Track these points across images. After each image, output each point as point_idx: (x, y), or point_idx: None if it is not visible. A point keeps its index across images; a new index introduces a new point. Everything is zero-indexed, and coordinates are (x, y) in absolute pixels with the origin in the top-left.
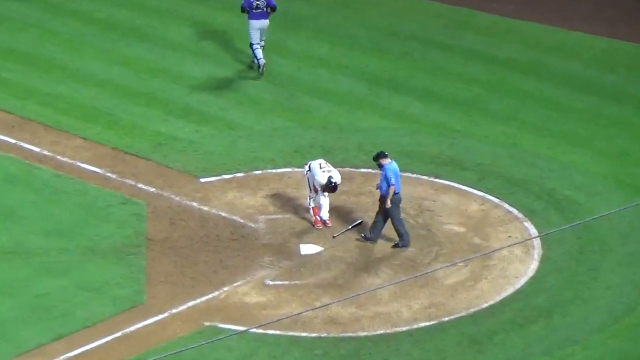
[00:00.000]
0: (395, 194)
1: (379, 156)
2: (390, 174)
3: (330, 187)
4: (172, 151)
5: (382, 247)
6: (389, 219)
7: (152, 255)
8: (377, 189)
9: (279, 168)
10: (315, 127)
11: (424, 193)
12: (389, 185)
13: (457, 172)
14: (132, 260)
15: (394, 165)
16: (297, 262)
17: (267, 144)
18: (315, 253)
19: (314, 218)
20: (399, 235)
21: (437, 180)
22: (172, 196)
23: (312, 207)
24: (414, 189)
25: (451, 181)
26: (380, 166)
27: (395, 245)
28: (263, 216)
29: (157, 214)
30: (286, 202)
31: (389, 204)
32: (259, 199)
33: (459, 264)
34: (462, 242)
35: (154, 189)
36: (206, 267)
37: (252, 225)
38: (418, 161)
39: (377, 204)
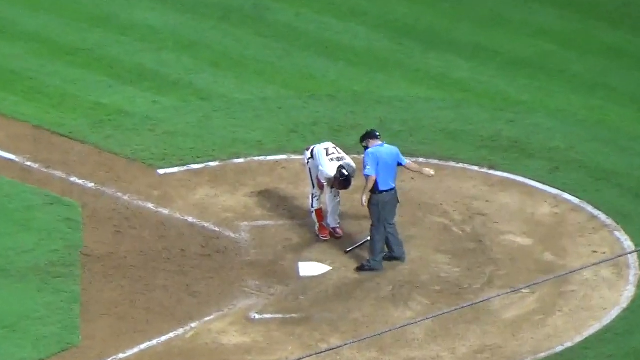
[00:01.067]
0: (382, 191)
1: (366, 136)
2: (368, 160)
3: (341, 181)
4: (119, 131)
5: (413, 265)
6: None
7: (89, 277)
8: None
9: (268, 155)
10: (320, 97)
11: (473, 190)
12: (364, 176)
13: (521, 161)
14: (61, 284)
15: (383, 149)
16: (295, 287)
17: (253, 121)
18: (320, 275)
19: (317, 225)
20: (371, 251)
21: (492, 172)
22: (119, 194)
23: (316, 210)
24: (460, 184)
25: (512, 173)
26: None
27: (360, 268)
28: (246, 223)
29: (97, 220)
30: (279, 203)
31: (364, 201)
32: (241, 199)
33: (522, 291)
34: (527, 259)
35: (92, 185)
36: (166, 295)
37: (232, 235)
38: (465, 145)
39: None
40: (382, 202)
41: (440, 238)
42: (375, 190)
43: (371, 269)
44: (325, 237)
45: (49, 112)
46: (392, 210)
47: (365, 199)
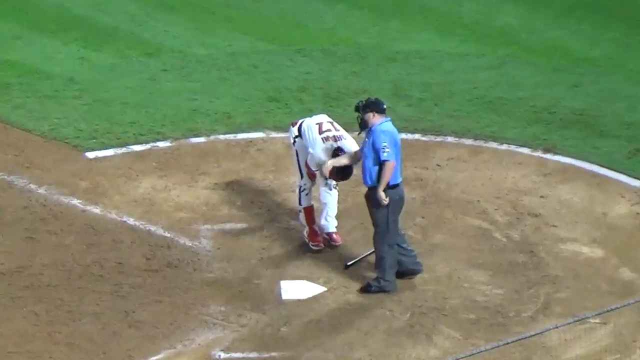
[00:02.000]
0: (395, 185)
1: (370, 107)
2: (383, 140)
3: (339, 169)
4: (33, 99)
5: (439, 285)
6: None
7: None
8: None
9: (239, 132)
10: (312, 53)
11: (523, 182)
12: (382, 162)
13: (589, 141)
14: None
15: (391, 127)
16: (275, 315)
17: (218, 86)
18: (310, 298)
19: (307, 230)
20: (378, 266)
21: (548, 156)
22: (32, 187)
23: (304, 209)
24: (505, 173)
25: (576, 158)
26: (365, 126)
27: (366, 289)
28: (208, 226)
29: (1, 222)
30: (254, 199)
31: (383, 197)
32: (201, 193)
33: (590, 321)
34: (596, 277)
35: None
36: (97, 325)
37: (188, 243)
38: (512, 119)
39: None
40: (393, 201)
41: (476, 248)
42: (389, 184)
43: (381, 290)
44: (317, 245)
45: None
46: (400, 210)
47: (384, 195)
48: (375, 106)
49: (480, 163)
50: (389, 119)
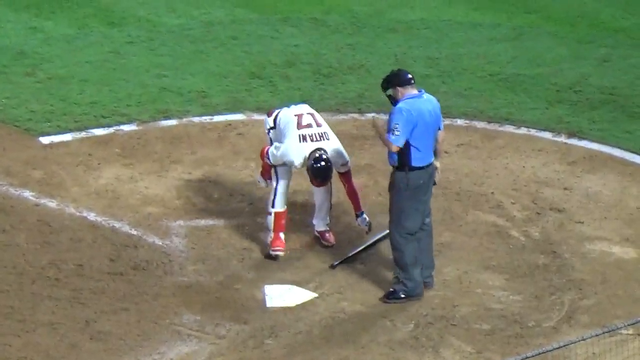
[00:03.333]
0: (417, 167)
1: (392, 80)
2: (399, 121)
3: (314, 171)
4: None
5: (448, 290)
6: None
7: None
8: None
9: (216, 114)
10: (300, 22)
11: (543, 171)
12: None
13: (620, 124)
14: None
15: (422, 103)
16: (258, 325)
17: (192, 60)
18: (299, 306)
19: (271, 235)
20: (401, 266)
21: (573, 141)
22: None
23: (276, 213)
24: (523, 161)
25: (606, 144)
26: (393, 102)
27: (389, 296)
28: (181, 222)
29: None
30: (233, 191)
31: (378, 123)
32: (173, 184)
33: (622, 332)
34: (629, 281)
35: None
36: (54, 337)
37: (157, 241)
38: (531, 98)
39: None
40: (414, 185)
41: (490, 247)
42: (405, 165)
43: (408, 295)
44: (277, 252)
45: None
46: (428, 195)
47: (380, 123)
48: (397, 79)
49: (495, 150)
50: (420, 92)
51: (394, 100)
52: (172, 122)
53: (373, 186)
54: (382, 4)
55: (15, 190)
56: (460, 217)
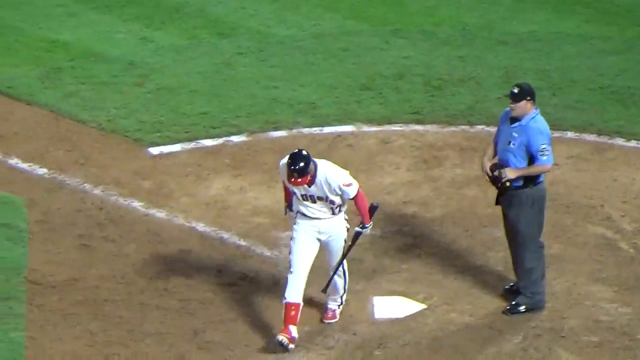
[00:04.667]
0: (541, 180)
1: (528, 93)
2: (542, 142)
3: (289, 157)
4: (88, 85)
5: (557, 303)
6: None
7: (39, 319)
8: (492, 173)
9: (326, 125)
10: (411, 34)
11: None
12: (535, 162)
13: None
14: None
15: (544, 122)
16: (367, 336)
17: (302, 72)
18: (408, 317)
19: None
20: (530, 280)
21: None
22: (87, 187)
23: (287, 304)
24: (632, 174)
25: None
26: (518, 116)
27: (514, 308)
28: (289, 233)
29: (51, 227)
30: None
31: (508, 174)
32: (281, 194)
33: None
34: None
35: (44, 171)
36: (162, 347)
37: (266, 252)
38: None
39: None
40: (539, 199)
41: (599, 260)
42: (530, 182)
43: (532, 308)
44: (285, 341)
45: None
46: (544, 213)
47: (513, 174)
48: (533, 93)
49: (605, 162)
50: (538, 110)
51: (518, 113)
52: (282, 133)
53: (483, 198)
54: (493, 16)
55: (125, 201)
56: (569, 229)
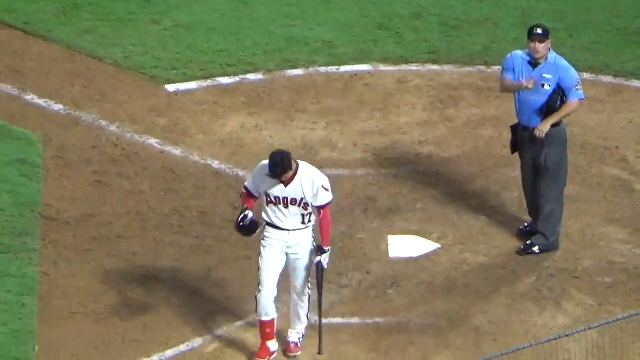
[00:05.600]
0: (558, 124)
1: (546, 32)
2: (576, 77)
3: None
4: (103, 21)
5: (570, 244)
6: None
7: (53, 254)
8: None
9: (343, 64)
10: None
11: None
12: (562, 99)
13: None
14: (8, 265)
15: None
16: (381, 275)
17: (319, 10)
18: (422, 257)
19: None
20: (553, 222)
21: None
22: (102, 123)
23: (260, 322)
24: None
25: None
26: (535, 62)
27: (528, 248)
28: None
29: (66, 164)
30: (357, 141)
31: (541, 133)
32: (298, 134)
33: None
34: None
35: (60, 107)
36: (176, 284)
37: None
38: None
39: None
40: (566, 138)
41: (614, 201)
42: (561, 121)
43: (546, 250)
44: None
45: None
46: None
47: (548, 126)
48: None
49: (620, 104)
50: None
51: (543, 52)
52: (299, 71)
53: (498, 138)
54: None
55: (140, 138)
56: (584, 170)
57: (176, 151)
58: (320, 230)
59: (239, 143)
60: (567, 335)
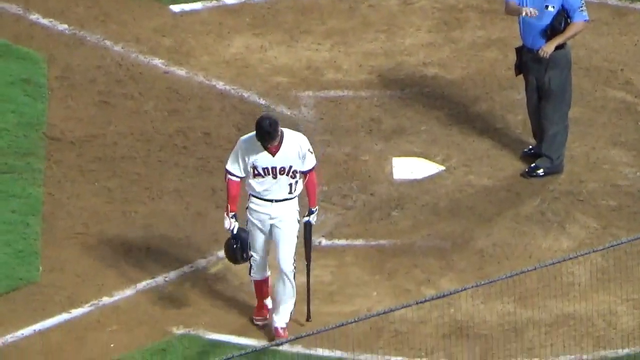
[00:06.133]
0: (562, 46)
1: None
2: None
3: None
4: None
5: (575, 166)
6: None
7: (57, 175)
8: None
9: None
10: None
11: None
12: (566, 21)
13: None
14: (12, 185)
15: None
16: (385, 197)
17: None
18: (427, 178)
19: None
20: (557, 143)
21: None
22: (107, 43)
23: (255, 282)
24: None
25: None
26: None
27: (532, 171)
28: (310, 93)
29: (70, 83)
30: (362, 62)
31: (547, 50)
32: (303, 54)
33: None
34: None
35: (65, 27)
36: (180, 205)
37: (286, 111)
38: None
39: None
40: (571, 59)
41: (618, 124)
42: (565, 43)
43: (550, 172)
44: (262, 320)
45: None
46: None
47: (552, 48)
48: None
49: (625, 26)
50: None
51: None
52: None
53: (503, 60)
54: None
55: (145, 58)
56: (589, 93)
57: (181, 72)
58: (307, 192)
59: (243, 64)
60: (571, 258)
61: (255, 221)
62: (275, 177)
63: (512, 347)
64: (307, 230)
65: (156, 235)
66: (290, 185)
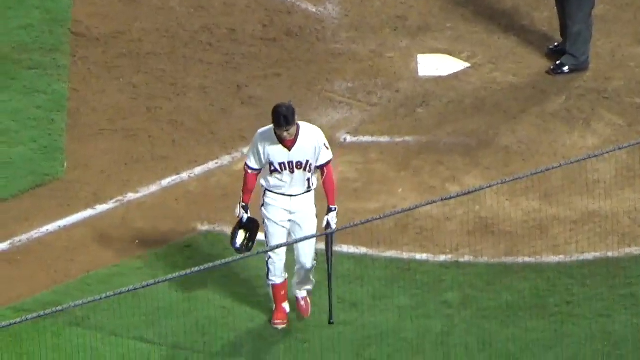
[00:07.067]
0: None
1: None
2: None
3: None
4: None
5: (600, 63)
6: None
7: (82, 71)
8: None
9: None
10: None
11: None
12: None
13: None
14: (37, 81)
15: None
16: (411, 94)
17: None
18: (452, 75)
19: (274, 306)
20: (580, 42)
21: None
22: None
23: (274, 286)
24: None
25: None
26: None
27: (558, 68)
28: None
29: None
30: None
31: None
32: None
33: None
34: None
35: None
36: (205, 101)
37: (311, 8)
38: None
39: None
40: None
41: None
42: None
43: (576, 69)
44: (279, 325)
45: None
46: None
47: None
48: None
49: None
50: None
51: None
52: None
53: None
54: None
55: None
56: None
57: None
58: (325, 190)
59: None
60: (596, 156)
61: (273, 217)
62: (292, 171)
63: (537, 244)
64: (328, 239)
65: (181, 131)
66: (308, 179)
